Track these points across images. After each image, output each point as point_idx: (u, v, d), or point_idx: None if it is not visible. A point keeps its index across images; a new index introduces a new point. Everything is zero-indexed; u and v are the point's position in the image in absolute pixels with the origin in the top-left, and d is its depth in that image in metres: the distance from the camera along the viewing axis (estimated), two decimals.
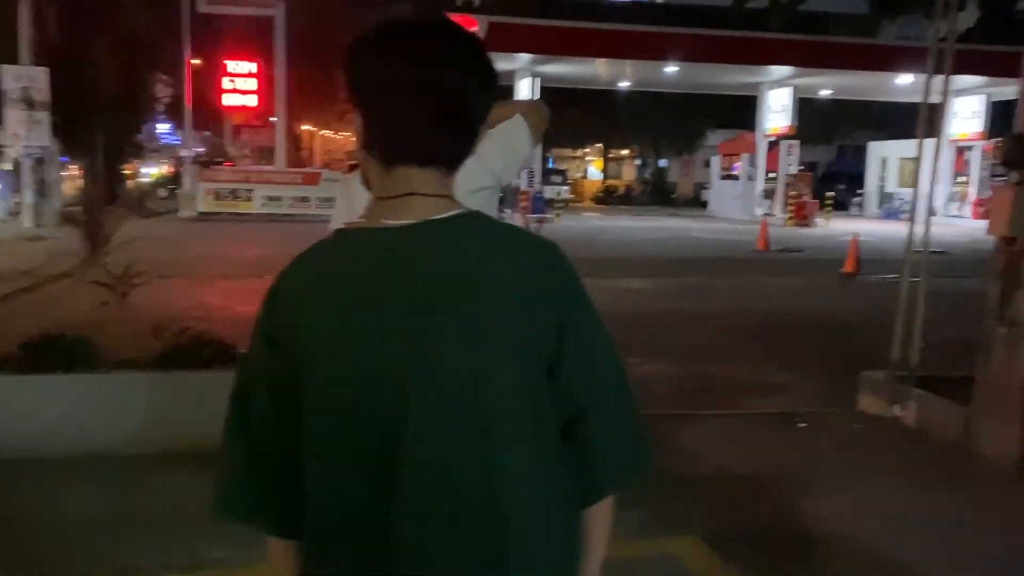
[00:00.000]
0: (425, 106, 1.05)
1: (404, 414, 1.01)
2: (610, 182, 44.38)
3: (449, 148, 1.09)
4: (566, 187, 36.52)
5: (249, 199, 21.31)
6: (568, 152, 45.83)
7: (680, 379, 6.53)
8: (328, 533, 1.06)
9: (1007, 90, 26.58)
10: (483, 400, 1.02)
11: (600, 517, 1.16)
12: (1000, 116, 28.78)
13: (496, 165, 2.13)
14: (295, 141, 44.57)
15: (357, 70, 1.06)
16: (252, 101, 23.71)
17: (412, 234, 1.05)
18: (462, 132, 1.09)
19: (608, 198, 39.83)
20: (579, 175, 46.50)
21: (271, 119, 37.88)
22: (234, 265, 12.21)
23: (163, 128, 41.34)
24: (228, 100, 23.79)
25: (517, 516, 1.04)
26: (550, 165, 43.35)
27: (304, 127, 42.90)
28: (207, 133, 39.38)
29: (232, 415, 1.12)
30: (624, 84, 29.04)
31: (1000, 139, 3.69)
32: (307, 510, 1.07)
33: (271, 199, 21.39)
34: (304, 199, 21.34)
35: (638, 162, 46.77)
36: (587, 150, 45.87)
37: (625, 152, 45.48)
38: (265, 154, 40.55)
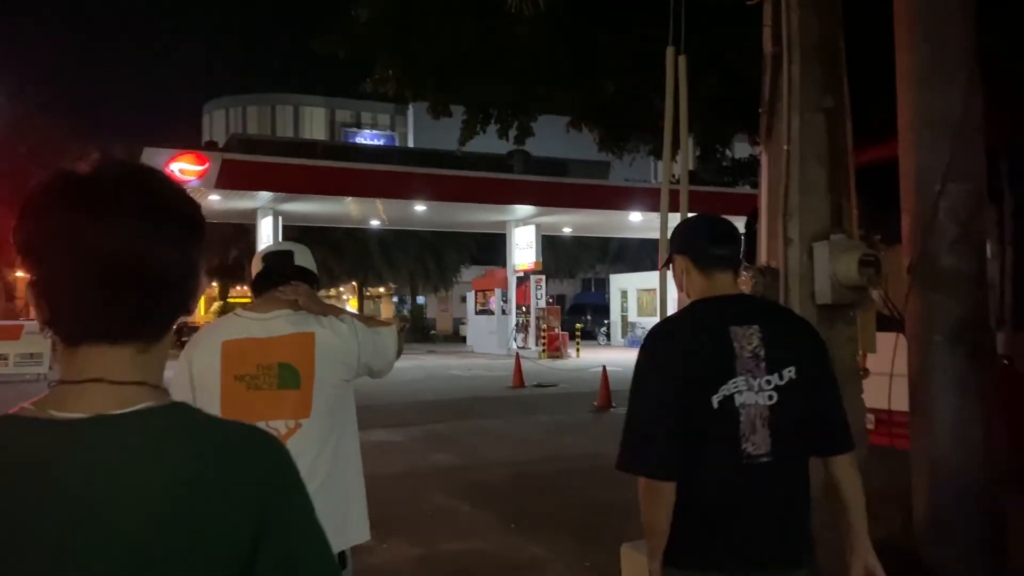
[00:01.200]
0: (97, 268, 0.90)
1: None
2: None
3: (135, 318, 0.94)
4: None
5: None
6: (322, 293, 44.59)
7: (418, 566, 5.52)
8: None
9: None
10: None
11: None
12: None
13: (369, 364, 2.38)
14: (6, 289, 39.64)
15: (22, 231, 0.91)
16: None
17: (75, 433, 0.89)
18: (149, 296, 0.93)
19: None
20: None
21: None
22: None
23: None
24: None
25: None
26: None
27: (20, 273, 38.26)
28: None
29: None
30: (375, 223, 28.75)
31: (746, 272, 3.26)
32: None
33: None
34: (2, 356, 18.29)
35: (395, 299, 46.48)
36: (342, 289, 44.86)
37: (382, 290, 45.02)
38: None
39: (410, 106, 65.21)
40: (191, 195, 1.02)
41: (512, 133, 7.92)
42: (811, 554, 2.03)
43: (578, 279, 47.32)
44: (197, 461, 0.91)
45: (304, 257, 2.46)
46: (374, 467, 8.08)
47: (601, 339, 34.21)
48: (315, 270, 2.49)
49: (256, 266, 2.44)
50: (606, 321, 34.44)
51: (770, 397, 1.92)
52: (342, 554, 2.23)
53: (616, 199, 25.69)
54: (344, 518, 2.30)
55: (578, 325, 28.58)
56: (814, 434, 2.01)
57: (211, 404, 2.13)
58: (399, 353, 2.51)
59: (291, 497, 0.96)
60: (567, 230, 31.37)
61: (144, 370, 0.95)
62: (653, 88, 5.86)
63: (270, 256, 2.43)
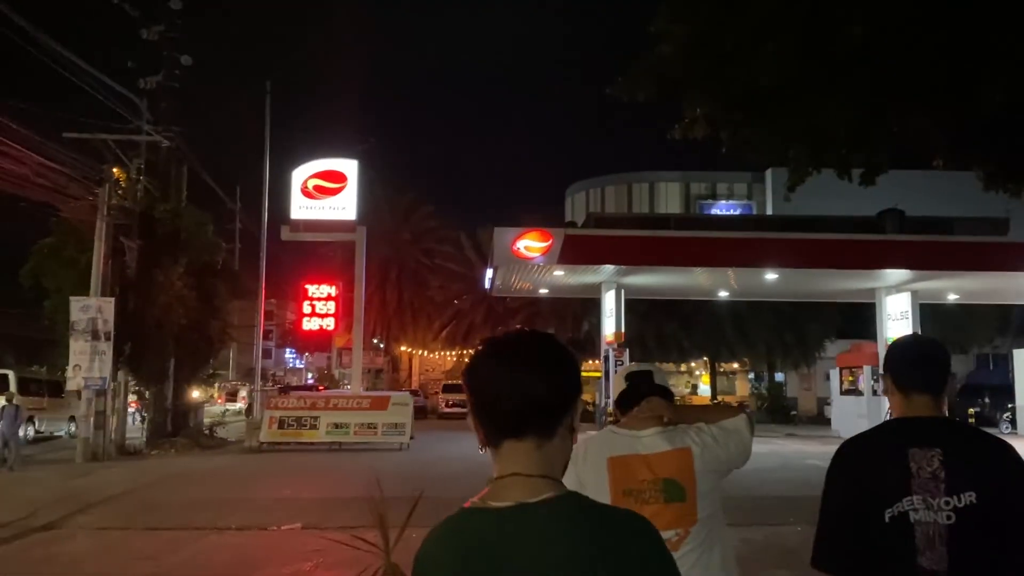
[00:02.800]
0: (509, 401, 1.36)
1: None
2: (722, 398, 41.36)
3: (536, 426, 1.37)
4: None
5: (315, 427, 20.03)
6: (671, 367, 43.50)
7: None
8: None
9: None
10: None
11: None
12: None
13: (732, 464, 2.56)
14: (393, 362, 44.52)
15: (468, 378, 1.41)
16: (329, 324, 23.21)
17: (507, 519, 1.28)
18: (548, 415, 1.38)
19: None
20: (687, 391, 43.75)
21: (373, 341, 37.72)
22: (246, 511, 10.50)
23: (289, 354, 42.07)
24: (307, 324, 23.39)
25: None
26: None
27: (403, 348, 42.84)
28: (309, 357, 39.69)
29: None
30: (724, 294, 27.16)
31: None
32: None
33: (337, 426, 20.04)
34: (371, 425, 19.90)
35: (751, 376, 43.74)
36: (693, 364, 43.37)
37: (736, 365, 42.66)
38: (371, 376, 40.53)
39: (768, 172, 63.03)
40: (569, 350, 1.44)
41: (856, 173, 6.25)
42: None
43: (971, 355, 40.50)
44: (600, 538, 1.26)
45: (660, 376, 2.68)
46: None
47: (1004, 426, 28.46)
48: (668, 386, 2.69)
49: (619, 385, 2.66)
50: (1010, 405, 28.63)
51: (948, 517, 2.01)
52: None
53: (1014, 259, 21.26)
54: None
55: (972, 410, 23.99)
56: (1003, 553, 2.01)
57: None
58: (752, 436, 2.61)
59: (663, 563, 1.30)
60: (952, 297, 26.83)
61: (545, 464, 1.36)
62: None
63: (633, 376, 2.65)
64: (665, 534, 2.12)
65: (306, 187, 23.17)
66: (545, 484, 1.32)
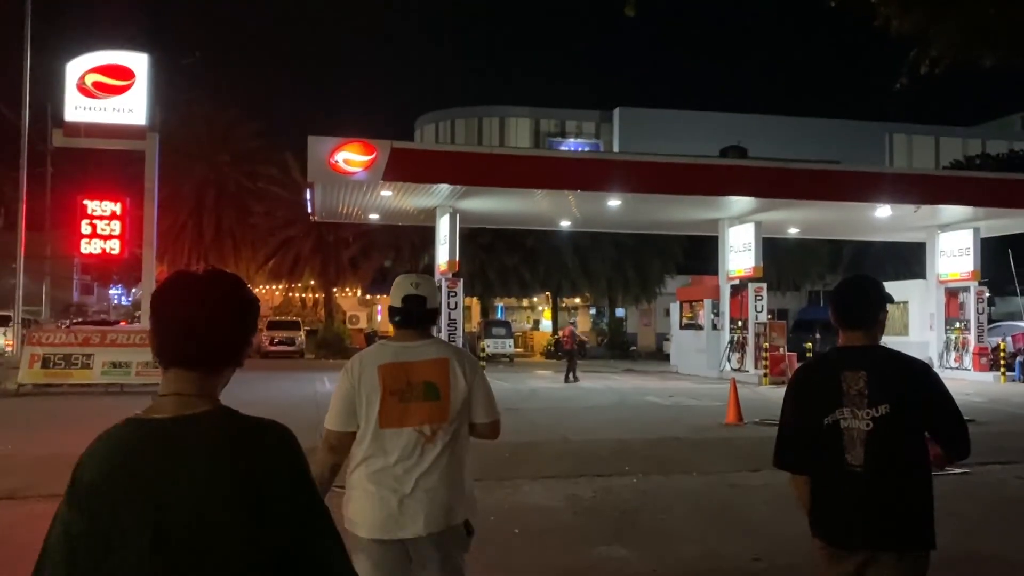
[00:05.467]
0: (180, 326, 1.50)
1: None
2: (563, 332, 40.56)
3: (197, 357, 1.51)
4: (510, 340, 32.51)
5: (88, 366, 16.86)
6: (514, 302, 42.16)
7: None
8: None
9: (997, 224, 23.53)
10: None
11: None
12: (995, 254, 25.63)
13: (473, 411, 3.01)
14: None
15: (152, 300, 1.54)
16: (114, 247, 19.75)
17: (160, 431, 1.43)
18: (206, 345, 1.50)
19: (559, 352, 35.86)
20: (529, 327, 42.66)
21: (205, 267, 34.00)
22: None
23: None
24: (87, 247, 19.82)
25: None
26: (499, 316, 39.57)
27: None
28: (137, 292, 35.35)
29: None
30: (565, 223, 25.58)
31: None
32: None
33: (116, 365, 16.95)
34: (157, 364, 16.94)
35: (592, 311, 43.20)
36: (535, 299, 42.25)
37: (578, 301, 41.84)
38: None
39: (616, 111, 62.57)
40: (246, 293, 1.57)
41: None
42: (909, 542, 2.65)
43: (804, 291, 41.52)
44: (232, 447, 1.43)
45: (437, 299, 3.12)
46: (507, 559, 4.78)
47: None
48: (439, 305, 3.31)
49: (396, 299, 3.00)
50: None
51: (867, 424, 2.65)
52: (468, 523, 2.88)
53: (853, 188, 20.76)
54: (466, 494, 2.90)
55: (808, 344, 23.81)
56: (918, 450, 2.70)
57: (372, 412, 2.82)
58: (496, 428, 3.05)
59: (295, 473, 1.47)
60: (793, 231, 26.53)
61: (206, 388, 1.51)
62: None
63: (407, 300, 2.98)
64: (423, 428, 2.81)
65: (83, 84, 19.38)
66: (201, 401, 1.47)
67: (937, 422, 2.69)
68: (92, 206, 19.75)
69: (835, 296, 2.87)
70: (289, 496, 1.41)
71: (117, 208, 19.78)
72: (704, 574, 5.28)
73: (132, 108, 19.60)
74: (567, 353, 22.22)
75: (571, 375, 20.89)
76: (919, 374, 2.73)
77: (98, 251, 19.89)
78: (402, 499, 2.73)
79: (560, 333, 29.99)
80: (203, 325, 1.46)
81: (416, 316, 2.95)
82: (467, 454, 2.93)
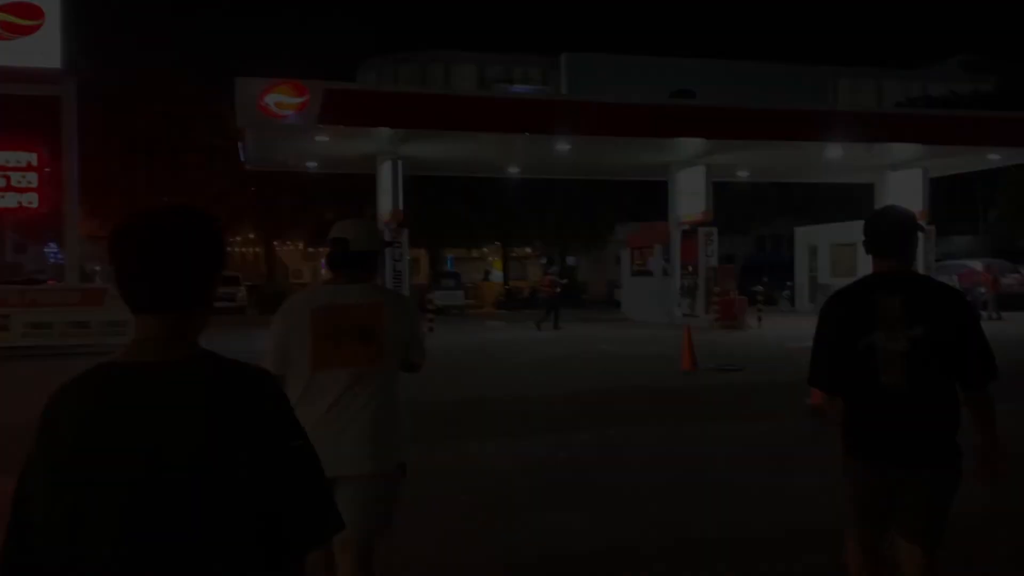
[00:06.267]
0: (147, 281, 1.37)
1: None
2: (514, 283, 40.01)
3: (161, 300, 1.38)
4: (459, 291, 31.87)
5: (5, 328, 15.79)
6: (464, 252, 41.42)
7: None
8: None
9: (943, 163, 23.46)
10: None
11: None
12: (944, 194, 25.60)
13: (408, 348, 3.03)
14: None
15: (110, 246, 1.38)
16: (32, 200, 18.43)
17: (137, 376, 1.33)
18: (170, 287, 1.38)
19: (510, 302, 35.34)
20: (480, 278, 42.04)
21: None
22: None
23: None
24: (1, 200, 18.46)
25: None
26: (448, 267, 38.85)
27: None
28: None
29: None
30: (514, 170, 24.82)
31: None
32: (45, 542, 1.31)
33: (36, 327, 15.91)
34: (82, 324, 15.94)
35: (543, 261, 42.75)
36: (485, 250, 41.57)
37: (528, 250, 41.28)
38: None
39: (562, 56, 61.36)
40: (211, 228, 1.44)
41: None
42: (943, 458, 2.73)
43: (751, 236, 41.55)
44: (208, 390, 1.33)
45: (364, 241, 3.00)
46: (455, 524, 4.15)
47: (784, 304, 28.93)
48: (375, 247, 3.05)
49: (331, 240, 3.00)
50: (789, 283, 29.08)
51: (904, 345, 2.72)
52: (402, 464, 2.91)
53: (803, 127, 20.38)
54: (398, 436, 2.91)
55: (758, 287, 23.65)
56: (951, 372, 2.75)
57: (303, 355, 2.78)
58: (419, 368, 3.09)
59: (276, 416, 1.39)
60: (743, 174, 26.17)
61: (179, 331, 1.39)
62: None
63: (334, 242, 2.97)
64: (358, 369, 2.80)
65: None
66: (180, 345, 1.38)
67: (968, 345, 2.73)
68: (5, 156, 18.35)
69: (868, 225, 2.93)
70: (280, 439, 1.37)
71: (33, 159, 18.41)
72: (670, 545, 4.78)
73: (44, 51, 18.09)
74: (547, 302, 22.21)
75: (554, 323, 21.36)
76: (953, 298, 2.82)
77: (14, 205, 18.54)
78: (335, 440, 2.67)
79: (539, 282, 29.60)
80: (167, 264, 1.37)
81: (340, 258, 2.94)
82: (399, 396, 2.94)
